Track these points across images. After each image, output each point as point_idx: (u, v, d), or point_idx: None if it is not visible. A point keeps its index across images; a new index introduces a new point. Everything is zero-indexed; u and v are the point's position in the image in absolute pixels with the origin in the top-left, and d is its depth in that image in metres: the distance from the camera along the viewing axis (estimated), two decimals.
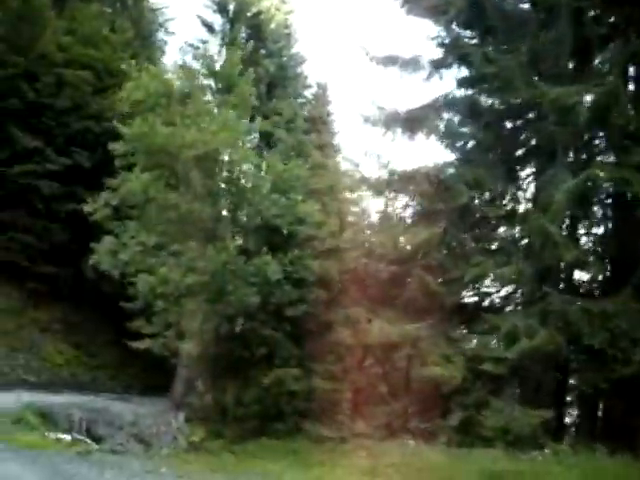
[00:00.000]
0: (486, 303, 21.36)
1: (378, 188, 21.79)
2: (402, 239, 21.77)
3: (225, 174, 23.02)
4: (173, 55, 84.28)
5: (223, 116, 21.26)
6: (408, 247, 21.86)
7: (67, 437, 19.49)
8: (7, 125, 32.65)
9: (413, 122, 21.25)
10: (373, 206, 24.00)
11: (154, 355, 28.30)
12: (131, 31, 37.23)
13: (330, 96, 25.25)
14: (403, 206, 22.37)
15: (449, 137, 21.47)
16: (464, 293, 21.47)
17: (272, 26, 37.65)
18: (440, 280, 20.53)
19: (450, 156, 22.29)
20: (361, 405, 22.37)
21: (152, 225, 22.07)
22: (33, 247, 33.28)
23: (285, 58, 37.43)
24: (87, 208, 22.95)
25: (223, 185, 23.28)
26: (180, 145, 20.62)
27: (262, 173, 23.17)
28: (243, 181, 22.42)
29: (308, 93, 33.56)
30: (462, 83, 21.16)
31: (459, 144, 21.54)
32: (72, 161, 33.97)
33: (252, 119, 23.27)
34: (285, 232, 23.07)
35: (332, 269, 21.79)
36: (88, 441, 19.91)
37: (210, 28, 35.66)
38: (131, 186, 21.32)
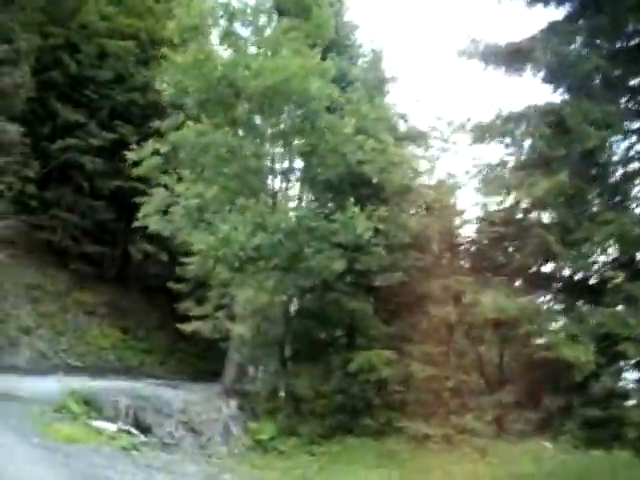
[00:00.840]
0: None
1: (481, 132, 14.22)
2: (512, 193, 13.92)
3: (299, 111, 15.63)
4: None
5: (296, 41, 14.04)
6: (521, 202, 13.87)
7: (112, 427, 16.00)
8: (48, 99, 28.03)
9: (517, 55, 15.12)
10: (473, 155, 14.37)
11: (204, 338, 25.22)
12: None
13: (387, 61, 19.19)
14: (511, 153, 14.33)
15: (562, 70, 14.03)
16: (592, 258, 14.51)
17: None
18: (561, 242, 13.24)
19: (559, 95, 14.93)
20: (466, 395, 15.11)
21: (210, 175, 14.84)
22: (77, 226, 28.58)
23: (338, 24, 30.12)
24: (131, 156, 15.87)
25: (296, 124, 15.82)
26: (243, 75, 13.44)
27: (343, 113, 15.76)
28: (320, 120, 14.86)
29: (362, 61, 26.16)
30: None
31: (575, 79, 14.45)
32: (116, 135, 28.55)
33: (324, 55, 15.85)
34: (374, 182, 15.67)
35: (431, 228, 14.49)
36: (134, 431, 16.59)
37: None
38: (183, 132, 14.17)
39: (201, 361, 32.45)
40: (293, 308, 18.81)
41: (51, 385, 18.04)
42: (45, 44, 27.32)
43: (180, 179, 16.84)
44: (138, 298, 31.82)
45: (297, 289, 16.28)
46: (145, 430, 17.76)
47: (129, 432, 16.51)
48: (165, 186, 17.56)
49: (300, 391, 16.72)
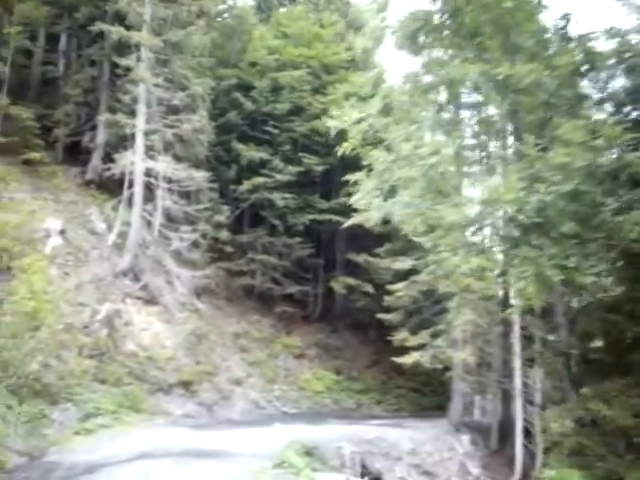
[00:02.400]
0: None
1: None
2: None
3: None
4: None
5: None
6: None
7: (339, 478, 14.54)
8: (229, 141, 28.43)
9: None
10: None
11: (422, 372, 23.93)
12: (341, 23, 28.95)
13: None
14: None
15: None
16: None
17: None
18: None
19: None
20: None
21: None
22: (275, 267, 28.24)
23: None
24: (332, 123, 14.11)
25: None
26: None
27: None
28: None
29: None
30: None
31: None
32: (302, 168, 28.35)
33: None
34: None
35: None
36: None
37: None
38: None
39: (421, 396, 31.04)
40: (561, 308, 15.81)
41: (268, 436, 17.01)
42: (218, 87, 27.54)
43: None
44: (346, 335, 30.71)
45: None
46: (375, 478, 16.23)
47: None
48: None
49: (613, 420, 13.03)
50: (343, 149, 14.75)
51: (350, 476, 15.17)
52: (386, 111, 14.50)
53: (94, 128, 25.27)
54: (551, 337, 17.44)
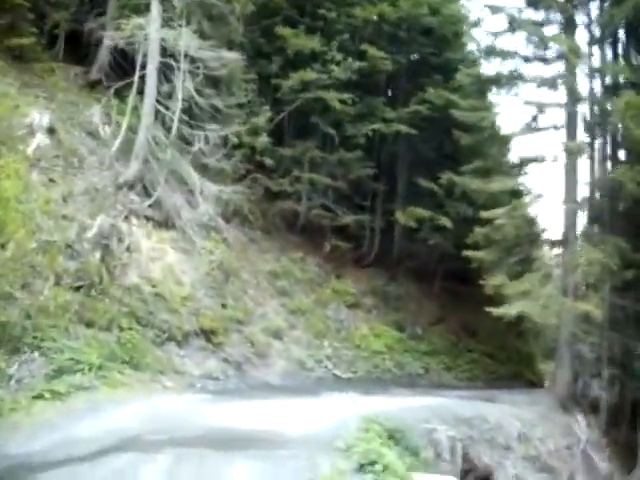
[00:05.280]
0: None
1: None
2: None
3: None
4: None
5: None
6: None
7: None
8: (271, 26, 22.61)
9: None
10: None
11: (496, 333, 23.67)
12: None
13: None
14: None
15: None
16: None
17: None
18: None
19: None
20: None
21: None
22: (325, 190, 22.98)
23: None
24: None
25: None
26: None
27: None
28: None
29: None
30: None
31: None
32: (365, 63, 22.72)
33: None
34: None
35: None
36: None
37: None
38: None
39: (496, 363, 26.64)
40: None
41: (327, 411, 12.17)
42: None
43: None
44: (407, 284, 25.44)
45: None
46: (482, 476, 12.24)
47: None
48: None
49: None
50: None
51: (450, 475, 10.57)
52: None
53: (102, 14, 20.02)
54: None
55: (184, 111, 17.82)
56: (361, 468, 8.25)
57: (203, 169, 18.43)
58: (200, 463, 7.84)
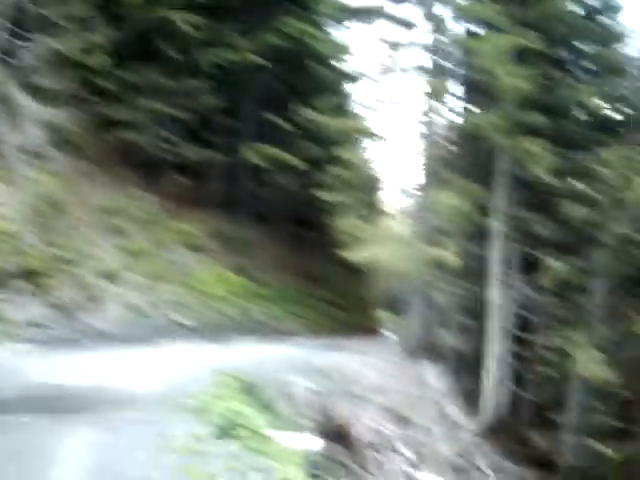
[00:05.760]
0: None
1: None
2: None
3: None
4: None
5: None
6: None
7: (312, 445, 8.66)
8: None
9: None
10: None
11: (339, 279, 24.18)
12: None
13: None
14: None
15: None
16: None
17: None
18: None
19: None
20: None
21: None
22: (168, 122, 20.67)
23: None
24: None
25: None
26: None
27: None
28: None
29: None
30: None
31: None
32: None
33: None
34: None
35: None
36: None
37: None
38: None
39: (339, 310, 26.36)
40: None
41: (174, 363, 11.08)
42: None
43: None
44: (252, 228, 24.20)
45: None
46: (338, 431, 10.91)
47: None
48: None
49: None
50: None
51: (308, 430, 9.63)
52: None
53: None
54: None
55: (9, 19, 15.38)
56: (222, 433, 7.19)
57: (31, 89, 16.07)
58: (16, 434, 6.25)
